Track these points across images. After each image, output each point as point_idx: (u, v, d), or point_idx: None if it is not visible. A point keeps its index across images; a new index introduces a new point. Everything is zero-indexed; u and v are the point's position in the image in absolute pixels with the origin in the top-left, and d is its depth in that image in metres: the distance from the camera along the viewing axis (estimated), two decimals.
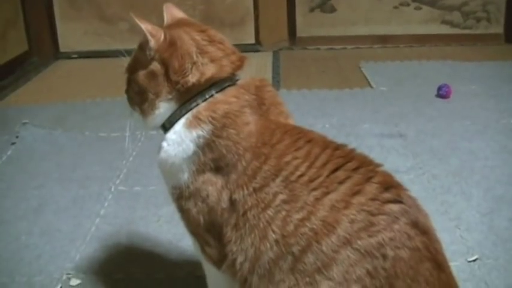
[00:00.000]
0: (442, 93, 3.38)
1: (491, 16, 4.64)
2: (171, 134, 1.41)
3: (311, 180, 1.28)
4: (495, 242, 2.03)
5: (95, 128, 3.08)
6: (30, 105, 3.53)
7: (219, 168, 1.36)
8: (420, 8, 4.65)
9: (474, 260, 1.93)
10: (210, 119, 1.37)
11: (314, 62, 4.35)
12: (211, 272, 1.50)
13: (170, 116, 1.43)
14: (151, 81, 1.42)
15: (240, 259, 1.33)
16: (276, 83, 3.81)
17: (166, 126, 1.44)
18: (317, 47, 4.67)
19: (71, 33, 4.67)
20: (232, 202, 1.34)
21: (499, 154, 2.68)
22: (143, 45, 1.42)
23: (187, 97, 1.41)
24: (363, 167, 1.30)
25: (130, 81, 1.48)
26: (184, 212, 1.43)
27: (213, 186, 1.36)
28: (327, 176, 1.28)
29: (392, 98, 3.44)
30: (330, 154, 1.32)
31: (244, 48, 4.47)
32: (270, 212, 1.29)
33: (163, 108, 1.43)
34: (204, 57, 1.41)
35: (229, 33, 4.67)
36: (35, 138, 2.96)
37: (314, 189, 1.27)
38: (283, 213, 1.28)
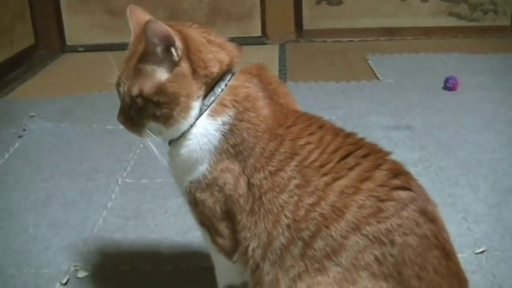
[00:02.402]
0: (449, 85, 3.37)
1: (498, 8, 4.63)
2: (193, 129, 1.39)
3: (322, 166, 1.29)
4: (503, 234, 2.02)
5: (102, 121, 3.08)
6: (37, 99, 3.53)
7: (238, 153, 1.36)
8: (427, 0, 4.63)
9: (481, 252, 1.93)
10: (233, 102, 1.37)
11: (321, 54, 4.34)
12: (221, 263, 1.50)
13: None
14: (182, 83, 1.36)
15: (252, 245, 1.34)
16: (283, 75, 3.81)
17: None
18: (324, 40, 4.66)
19: (78, 27, 4.67)
20: (249, 187, 1.34)
21: (506, 146, 2.68)
22: (159, 51, 1.35)
23: (209, 88, 1.39)
24: (373, 154, 1.31)
25: (146, 99, 1.37)
26: (199, 204, 1.41)
27: (230, 173, 1.36)
28: (338, 162, 1.29)
29: (399, 90, 3.43)
30: (341, 141, 1.33)
31: (251, 41, 4.55)
32: (283, 196, 1.30)
33: (197, 106, 1.38)
34: (213, 46, 1.41)
35: (236, 26, 4.68)
36: (42, 131, 2.97)
37: (324, 174, 1.28)
38: (295, 198, 1.29)
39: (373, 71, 3.83)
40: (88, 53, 4.60)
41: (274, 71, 3.88)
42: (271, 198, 1.31)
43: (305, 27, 4.69)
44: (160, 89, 1.36)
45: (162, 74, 1.36)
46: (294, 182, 1.30)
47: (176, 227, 2.12)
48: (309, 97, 3.31)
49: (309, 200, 1.27)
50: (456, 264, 1.26)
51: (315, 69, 3.97)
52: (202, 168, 1.38)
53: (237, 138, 1.35)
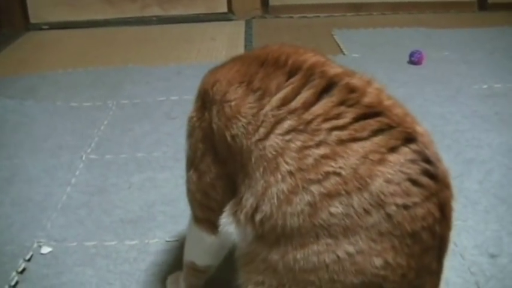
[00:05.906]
0: (414, 59, 3.39)
1: None
2: None
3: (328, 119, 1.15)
4: (465, 204, 2.05)
5: (67, 98, 3.05)
6: (1, 78, 3.47)
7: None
8: None
9: None
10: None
11: (287, 30, 4.33)
12: (194, 240, 1.49)
13: None
14: None
15: (247, 197, 1.20)
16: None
17: None
18: (290, 16, 4.64)
19: (41, 4, 4.59)
20: (232, 138, 1.24)
21: (469, 118, 2.70)
22: None
23: None
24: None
25: None
26: (188, 182, 1.41)
27: (205, 142, 1.33)
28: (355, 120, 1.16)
29: (364, 64, 3.43)
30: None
31: (217, 17, 4.53)
32: (277, 139, 1.16)
33: None
34: None
35: (202, 3, 4.65)
36: (6, 109, 2.93)
37: (336, 128, 1.14)
38: (298, 143, 1.14)
39: (339, 46, 3.82)
40: (52, 30, 4.52)
41: (240, 47, 3.88)
42: (258, 141, 1.19)
43: (271, 3, 4.67)
44: None
45: None
46: (289, 123, 1.16)
47: (140, 201, 2.12)
48: None
49: (319, 151, 1.12)
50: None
51: None
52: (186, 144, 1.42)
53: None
